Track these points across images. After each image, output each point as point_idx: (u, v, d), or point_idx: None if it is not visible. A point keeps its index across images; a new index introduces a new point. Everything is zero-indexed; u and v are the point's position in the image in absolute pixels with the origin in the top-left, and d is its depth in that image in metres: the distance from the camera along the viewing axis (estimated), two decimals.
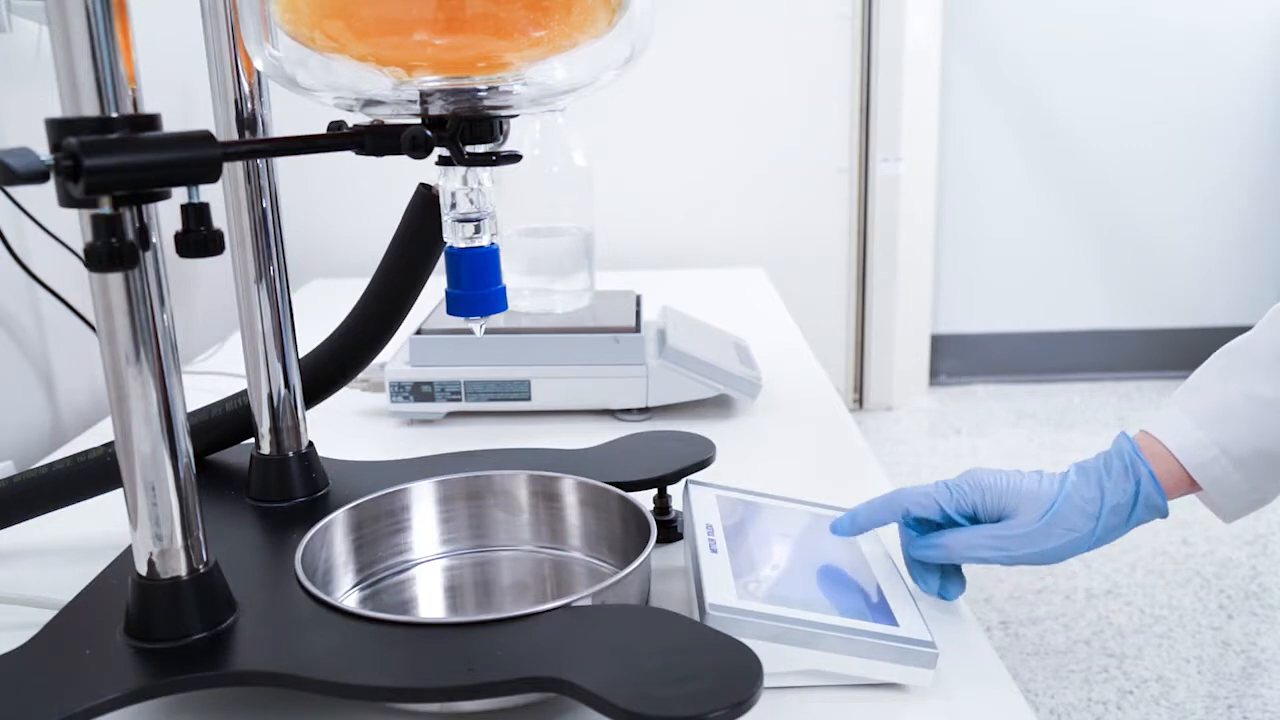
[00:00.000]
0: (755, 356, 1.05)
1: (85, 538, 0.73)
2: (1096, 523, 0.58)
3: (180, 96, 1.10)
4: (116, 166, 0.43)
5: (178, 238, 0.46)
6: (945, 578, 0.63)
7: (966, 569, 0.64)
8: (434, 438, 0.94)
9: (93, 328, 0.53)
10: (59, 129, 0.44)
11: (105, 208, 0.44)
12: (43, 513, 0.70)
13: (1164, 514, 0.60)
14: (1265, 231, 2.55)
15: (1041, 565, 0.60)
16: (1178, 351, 2.56)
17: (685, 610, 0.55)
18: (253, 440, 0.71)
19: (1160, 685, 1.43)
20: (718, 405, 1.00)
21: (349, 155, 0.54)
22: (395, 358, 0.98)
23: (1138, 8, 2.40)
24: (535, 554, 0.69)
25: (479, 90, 0.53)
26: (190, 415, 0.60)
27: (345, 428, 0.96)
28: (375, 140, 0.53)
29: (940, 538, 0.61)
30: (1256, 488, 0.59)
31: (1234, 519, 0.61)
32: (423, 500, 0.68)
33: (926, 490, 0.62)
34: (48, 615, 0.56)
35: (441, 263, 0.58)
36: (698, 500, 0.66)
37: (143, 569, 0.52)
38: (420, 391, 0.96)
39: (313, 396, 0.73)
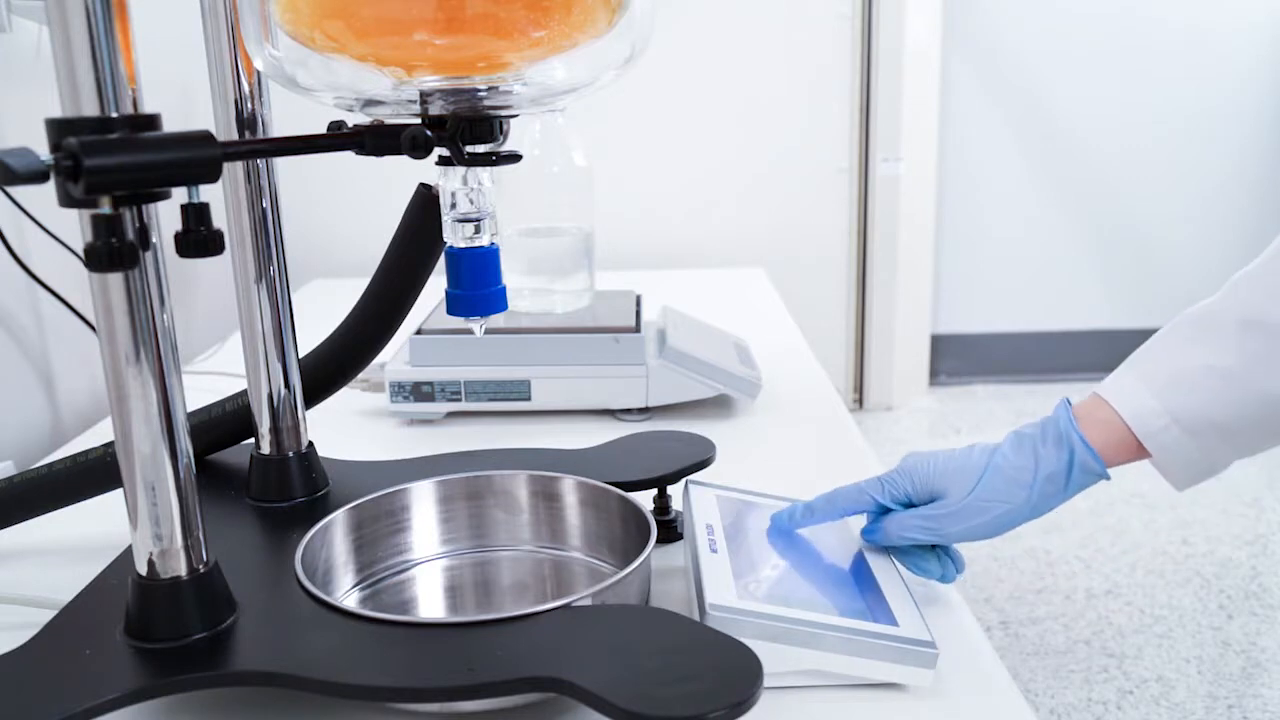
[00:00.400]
0: (755, 356, 1.05)
1: (85, 538, 0.73)
2: (1030, 491, 0.59)
3: (180, 96, 1.10)
4: (116, 166, 0.43)
5: (178, 238, 0.46)
6: (931, 560, 0.63)
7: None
8: (434, 438, 0.94)
9: (93, 328, 0.53)
10: (59, 129, 0.44)
11: (105, 208, 0.44)
12: (43, 513, 0.70)
13: (1105, 476, 0.59)
14: (1265, 231, 2.54)
15: (982, 539, 0.61)
16: None
17: (685, 610, 0.55)
18: (253, 440, 0.71)
19: (1160, 685, 1.43)
20: (718, 405, 1.00)
21: (349, 155, 0.54)
22: (395, 358, 0.98)
23: (1138, 8, 2.40)
24: (535, 554, 0.69)
25: (479, 90, 0.53)
26: (190, 415, 0.60)
27: (345, 428, 0.96)
28: (375, 140, 0.53)
29: (877, 522, 0.63)
30: (1208, 457, 0.59)
31: (1186, 487, 0.61)
32: (423, 500, 0.68)
33: (860, 486, 0.63)
34: (48, 615, 0.56)
35: (441, 263, 0.58)
36: (698, 500, 0.66)
37: (143, 569, 0.52)
38: (420, 391, 0.96)
39: (313, 396, 0.73)
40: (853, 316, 2.27)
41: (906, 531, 0.61)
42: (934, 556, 0.63)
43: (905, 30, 2.11)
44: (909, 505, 0.63)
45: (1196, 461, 0.59)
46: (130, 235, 0.46)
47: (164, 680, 0.49)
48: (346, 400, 0.95)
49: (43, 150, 0.43)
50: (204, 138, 0.46)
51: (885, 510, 0.63)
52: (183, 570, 0.52)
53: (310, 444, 0.72)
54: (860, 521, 0.68)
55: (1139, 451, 0.60)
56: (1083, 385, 2.56)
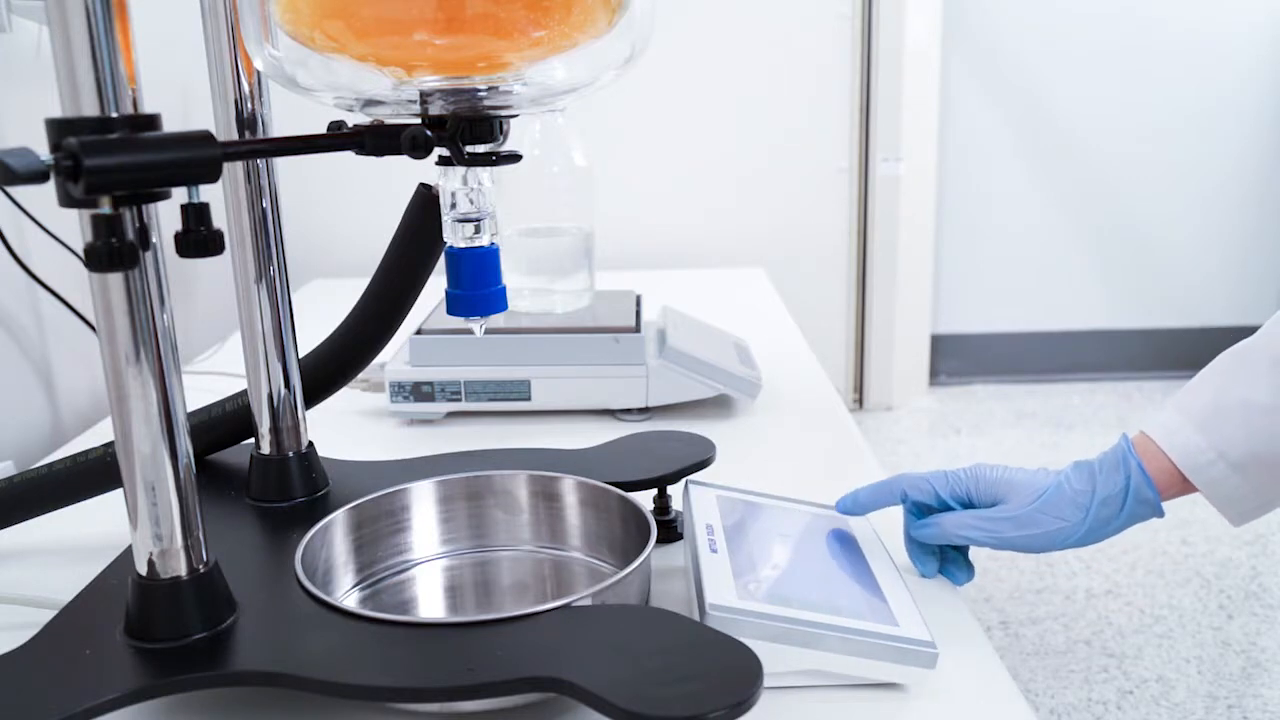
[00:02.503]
0: (755, 356, 1.05)
1: (85, 538, 0.73)
2: (1086, 514, 0.60)
3: (180, 96, 1.10)
4: (116, 166, 0.43)
5: (178, 238, 0.46)
6: (950, 563, 0.66)
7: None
8: (434, 438, 0.94)
9: (93, 328, 0.53)
10: (59, 129, 0.44)
11: (105, 208, 0.44)
12: (43, 513, 0.70)
13: (1158, 510, 0.60)
14: (1265, 231, 2.55)
15: (1031, 552, 0.62)
16: (1178, 351, 2.56)
17: (685, 610, 0.55)
18: (253, 440, 0.71)
19: (1160, 685, 1.43)
20: (718, 405, 1.00)
21: (349, 155, 0.54)
22: (395, 358, 0.98)
23: (1138, 8, 2.40)
24: (535, 554, 0.69)
25: (479, 90, 0.53)
26: (190, 415, 0.60)
27: (345, 428, 0.96)
28: (375, 140, 0.53)
29: (935, 518, 0.64)
30: (1259, 492, 0.59)
31: (1243, 522, 0.61)
32: (423, 500, 0.68)
33: (925, 475, 0.65)
34: (48, 615, 0.56)
35: (441, 263, 0.58)
36: (698, 500, 0.66)
37: (143, 569, 0.52)
38: (420, 391, 0.96)
39: (313, 396, 0.73)
40: (853, 316, 2.27)
41: (963, 530, 0.62)
42: (958, 559, 0.66)
43: (905, 30, 2.11)
44: (967, 504, 0.64)
45: (1247, 496, 0.59)
46: (130, 235, 0.46)
47: (164, 680, 0.49)
48: (346, 400, 0.95)
49: (43, 150, 0.43)
50: (204, 138, 0.46)
51: (940, 508, 0.64)
52: (183, 570, 0.52)
53: (310, 444, 0.72)
54: (861, 524, 0.68)
55: (1187, 486, 0.60)
56: (1083, 385, 2.57)
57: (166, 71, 0.99)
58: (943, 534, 0.64)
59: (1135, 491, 0.60)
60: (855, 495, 0.68)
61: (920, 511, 0.66)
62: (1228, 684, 1.44)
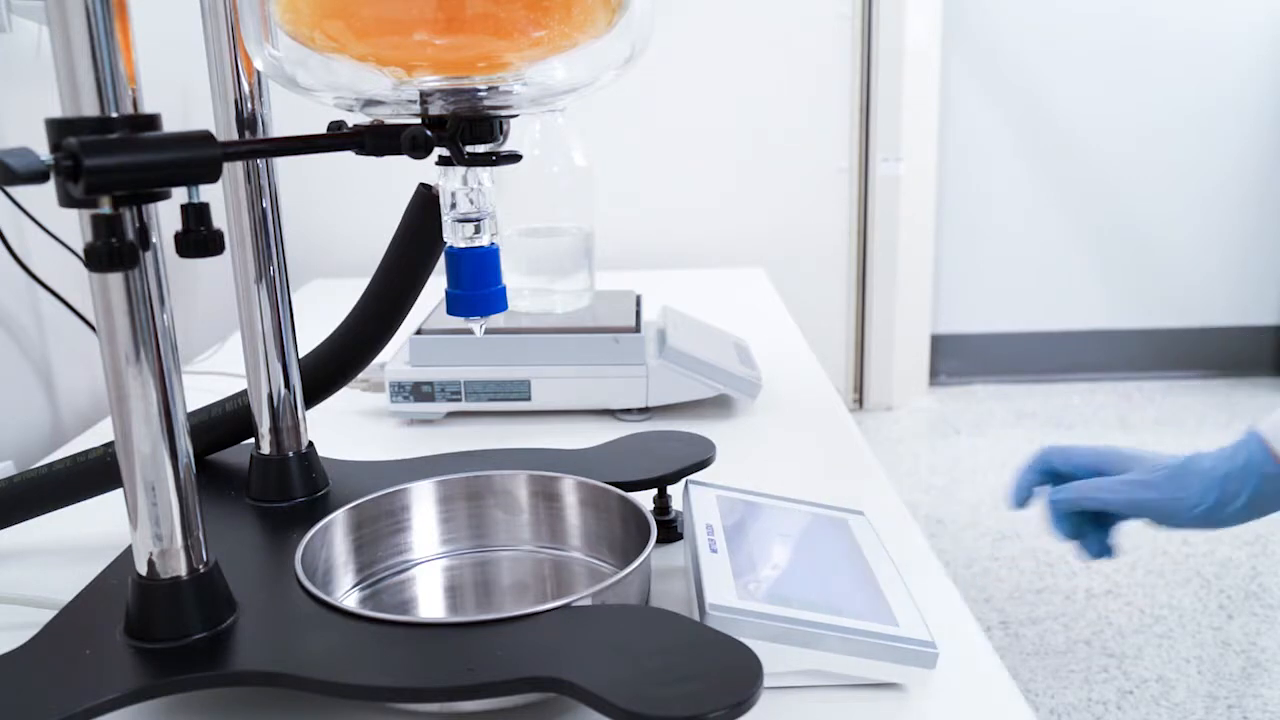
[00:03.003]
0: (755, 356, 1.05)
1: (85, 538, 0.73)
2: (1211, 484, 0.63)
3: (180, 96, 1.10)
4: (116, 166, 0.43)
5: (178, 238, 0.46)
6: (1090, 535, 0.71)
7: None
8: (434, 438, 0.94)
9: (93, 328, 0.53)
10: (59, 129, 0.44)
11: (105, 208, 0.44)
12: (43, 513, 0.70)
13: None
14: (1265, 231, 2.55)
15: (1161, 522, 0.66)
16: (1178, 351, 2.56)
17: (685, 610, 0.55)
18: (253, 440, 0.71)
19: (1160, 685, 1.43)
20: (718, 405, 1.00)
21: (349, 155, 0.54)
22: (395, 358, 0.98)
23: (1138, 8, 2.40)
24: (535, 554, 0.69)
25: (479, 90, 0.53)
26: (190, 415, 0.60)
27: (345, 428, 0.96)
28: (375, 140, 0.53)
29: (1071, 484, 0.70)
30: None
31: None
32: (423, 500, 0.68)
33: (1067, 446, 0.72)
34: (48, 615, 0.56)
35: (441, 263, 0.58)
36: (698, 500, 0.66)
37: (143, 569, 0.52)
38: (420, 391, 0.96)
39: (313, 396, 0.73)
40: (853, 316, 2.27)
41: (1095, 493, 0.68)
42: (1098, 532, 0.71)
43: (905, 30, 2.11)
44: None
45: None
46: (130, 235, 0.46)
47: (164, 680, 0.49)
48: (346, 400, 0.95)
49: (43, 150, 0.43)
50: (204, 138, 0.46)
51: (1079, 477, 0.70)
52: (183, 570, 0.52)
53: (310, 444, 0.72)
54: (861, 523, 0.68)
55: None
56: (1083, 385, 2.57)
57: (166, 71, 0.99)
58: (1078, 494, 0.69)
59: (1258, 465, 0.62)
60: (1014, 487, 0.73)
61: (1060, 481, 0.71)
62: (1228, 684, 1.44)
